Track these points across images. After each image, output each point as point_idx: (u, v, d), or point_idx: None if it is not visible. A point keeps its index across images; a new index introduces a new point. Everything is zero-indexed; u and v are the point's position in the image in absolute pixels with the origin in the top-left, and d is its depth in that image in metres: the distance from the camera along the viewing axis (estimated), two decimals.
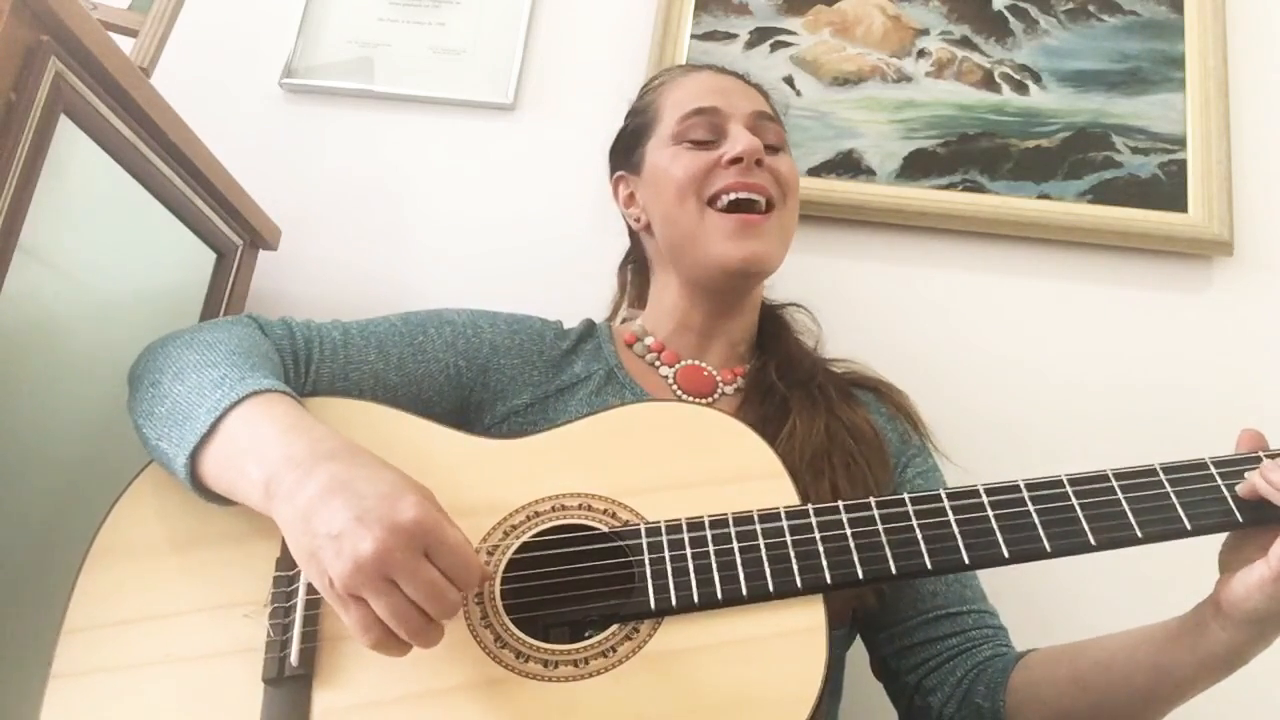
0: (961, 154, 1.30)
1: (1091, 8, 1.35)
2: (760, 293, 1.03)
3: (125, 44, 0.95)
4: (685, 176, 0.94)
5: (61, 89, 0.81)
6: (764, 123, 0.99)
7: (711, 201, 0.94)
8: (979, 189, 1.28)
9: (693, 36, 1.36)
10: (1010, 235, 1.27)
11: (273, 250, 1.24)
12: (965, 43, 1.35)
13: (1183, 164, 1.26)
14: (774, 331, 1.04)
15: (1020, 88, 1.32)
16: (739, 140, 0.94)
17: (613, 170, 1.08)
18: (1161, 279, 1.25)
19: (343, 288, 1.30)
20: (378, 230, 1.34)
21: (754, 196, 0.93)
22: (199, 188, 1.06)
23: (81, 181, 0.89)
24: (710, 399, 0.95)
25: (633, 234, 1.09)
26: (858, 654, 0.93)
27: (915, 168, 1.30)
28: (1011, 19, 1.35)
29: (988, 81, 1.33)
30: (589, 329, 1.02)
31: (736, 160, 0.93)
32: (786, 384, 0.94)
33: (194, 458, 0.71)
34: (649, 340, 0.99)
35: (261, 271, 1.23)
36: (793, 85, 1.34)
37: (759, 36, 1.37)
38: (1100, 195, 1.26)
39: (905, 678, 0.87)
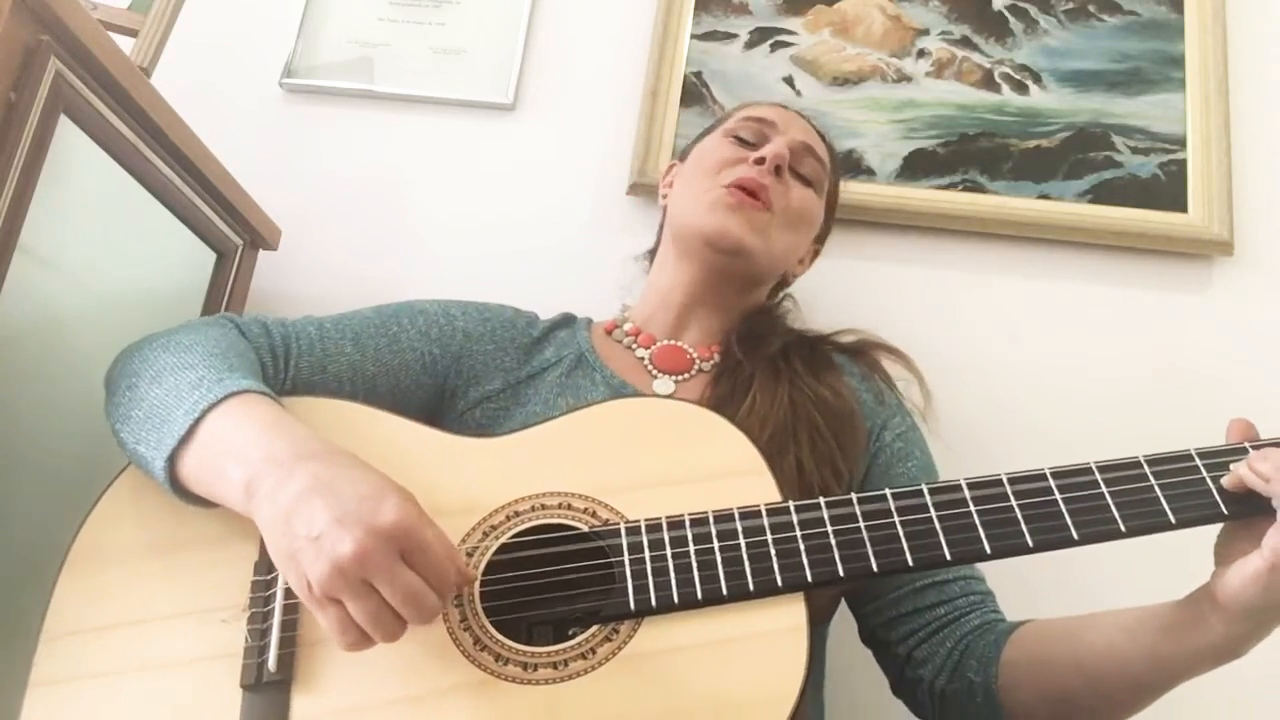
0: (961, 154, 1.30)
1: (1091, 8, 1.35)
2: (744, 302, 1.02)
3: (125, 44, 0.95)
4: (714, 161, 1.01)
5: (61, 89, 0.81)
6: (807, 155, 1.03)
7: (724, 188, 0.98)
8: (979, 189, 1.28)
9: (693, 36, 1.36)
10: (1010, 235, 1.27)
11: (273, 250, 1.24)
12: (965, 43, 1.35)
13: (1183, 164, 1.26)
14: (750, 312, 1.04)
15: (1020, 88, 1.32)
16: (772, 147, 0.99)
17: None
18: (1161, 279, 1.25)
19: (343, 288, 1.30)
20: (378, 230, 1.34)
21: (749, 200, 0.96)
22: (199, 188, 1.06)
23: (81, 181, 0.89)
24: (687, 375, 0.96)
25: (661, 223, 1.11)
26: (847, 624, 0.93)
27: (915, 168, 1.30)
28: (1011, 19, 1.35)
29: (988, 81, 1.33)
30: (566, 319, 1.03)
31: (760, 160, 0.97)
32: (751, 358, 0.94)
33: (172, 460, 0.70)
34: (627, 325, 1.02)
35: (261, 271, 1.23)
36: (793, 85, 1.34)
37: (759, 36, 1.37)
38: (1100, 195, 1.26)
39: (895, 649, 0.87)
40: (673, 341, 1.00)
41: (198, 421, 0.70)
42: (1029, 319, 1.25)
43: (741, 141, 1.02)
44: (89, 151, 0.89)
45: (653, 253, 1.13)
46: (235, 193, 1.12)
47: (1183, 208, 1.25)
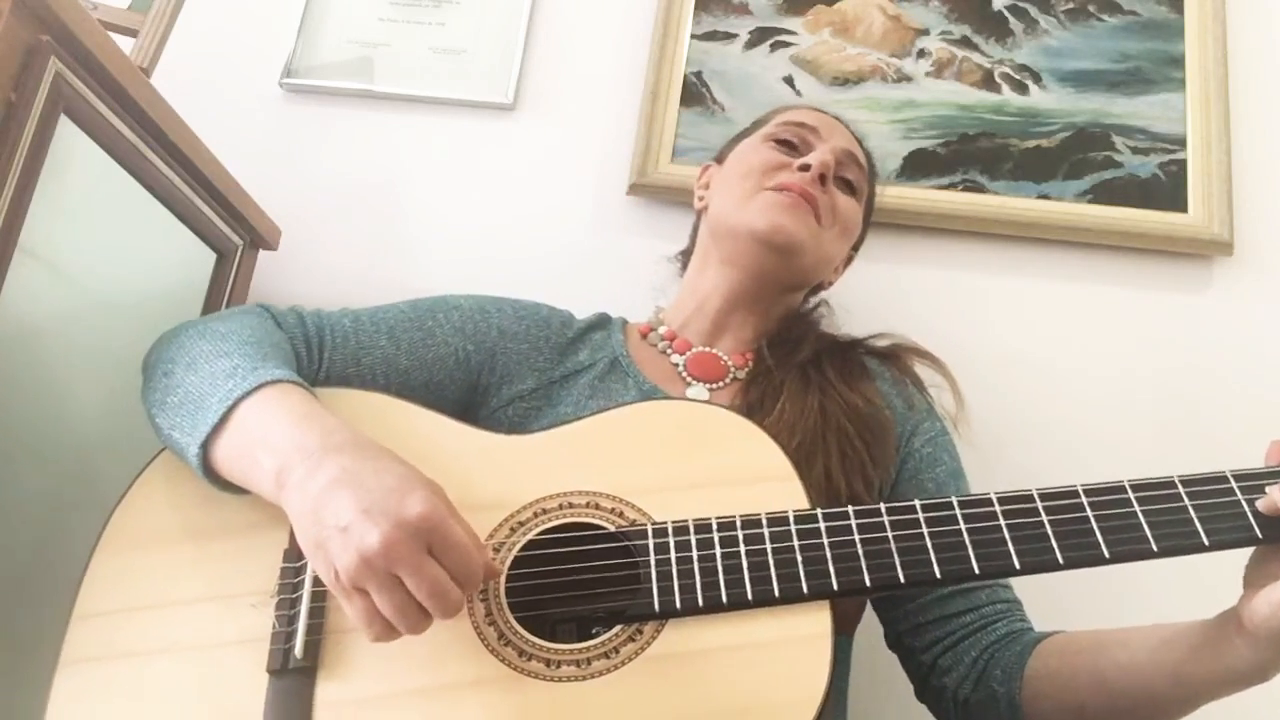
0: (961, 154, 1.30)
1: (1091, 8, 1.35)
2: (782, 308, 1.02)
3: (125, 44, 0.95)
4: (755, 164, 1.00)
5: (61, 89, 0.81)
6: (850, 163, 1.02)
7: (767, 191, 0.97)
8: (979, 189, 1.28)
9: (693, 36, 1.36)
10: (1010, 235, 1.27)
11: (273, 250, 1.24)
12: (965, 43, 1.35)
13: (1183, 164, 1.26)
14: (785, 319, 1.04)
15: (1020, 88, 1.32)
16: (817, 155, 0.98)
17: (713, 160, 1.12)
18: (1161, 279, 1.25)
19: (343, 288, 1.30)
20: (378, 230, 1.34)
21: (801, 202, 0.95)
22: (199, 188, 1.06)
23: (81, 181, 0.89)
24: (721, 384, 0.95)
25: (694, 225, 1.11)
26: (872, 628, 0.93)
27: (915, 168, 1.30)
28: (1011, 19, 1.35)
29: (988, 81, 1.33)
30: (601, 320, 1.03)
31: (806, 168, 0.97)
32: (782, 365, 0.93)
33: (206, 447, 0.71)
34: (662, 330, 1.01)
35: (261, 271, 1.23)
36: (793, 85, 1.34)
37: (759, 36, 1.37)
38: (1100, 195, 1.26)
39: (920, 656, 0.87)
40: (708, 348, 0.99)
41: (231, 409, 0.71)
42: (1029, 319, 1.25)
43: (783, 145, 1.01)
44: (89, 151, 0.89)
45: (684, 254, 1.13)
46: (235, 193, 1.12)
47: (1183, 208, 1.25)
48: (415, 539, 0.61)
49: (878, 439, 0.89)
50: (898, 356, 1.00)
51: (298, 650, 0.67)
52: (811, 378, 0.92)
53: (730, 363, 0.97)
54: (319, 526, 0.62)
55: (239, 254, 1.17)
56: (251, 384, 0.72)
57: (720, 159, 1.08)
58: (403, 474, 0.65)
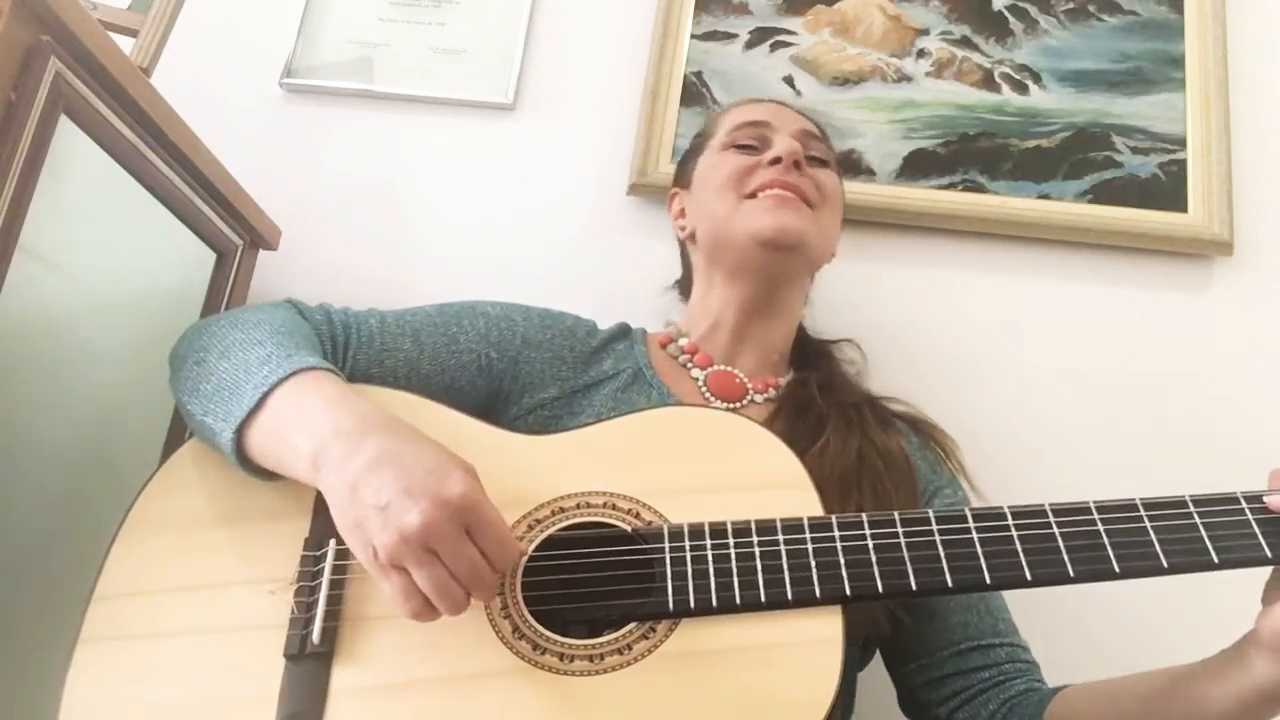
0: (961, 154, 1.30)
1: (1091, 8, 1.35)
2: (798, 303, 1.04)
3: (125, 44, 0.95)
4: (726, 175, 0.99)
5: (61, 89, 0.81)
6: (811, 140, 1.03)
7: (750, 197, 0.97)
8: (979, 189, 1.28)
9: (693, 36, 1.36)
10: (1010, 235, 1.27)
11: (273, 250, 1.24)
12: (965, 43, 1.35)
13: (1183, 164, 1.26)
14: (816, 354, 1.05)
15: (1020, 88, 1.32)
16: (781, 145, 0.98)
17: (672, 187, 1.11)
18: (1161, 279, 1.25)
19: (343, 288, 1.29)
20: (378, 230, 1.34)
21: (790, 195, 0.96)
22: (199, 188, 1.06)
23: (81, 181, 0.89)
24: (739, 405, 0.96)
25: (682, 253, 1.11)
26: (874, 683, 0.92)
27: (915, 168, 1.30)
28: (1011, 19, 1.35)
29: (988, 81, 1.33)
30: (623, 331, 1.03)
31: (777, 161, 0.97)
32: (826, 402, 0.94)
33: (240, 432, 0.72)
34: (683, 341, 1.01)
35: (261, 271, 1.23)
36: (793, 85, 1.34)
37: (759, 36, 1.37)
38: (1100, 195, 1.26)
39: (935, 710, 0.86)
40: (727, 368, 0.99)
41: (266, 395, 0.72)
42: (1029, 319, 1.25)
43: (743, 149, 1.01)
44: (89, 151, 0.89)
45: (679, 283, 1.13)
46: (235, 193, 1.12)
47: (1183, 208, 1.24)
48: (454, 519, 0.62)
49: (905, 486, 0.90)
50: (925, 432, 1.01)
51: (315, 636, 0.68)
52: (854, 420, 0.93)
53: (750, 385, 0.98)
54: (357, 505, 0.64)
55: (239, 254, 1.17)
56: (286, 370, 0.73)
57: (685, 184, 1.07)
58: (440, 455, 0.66)
